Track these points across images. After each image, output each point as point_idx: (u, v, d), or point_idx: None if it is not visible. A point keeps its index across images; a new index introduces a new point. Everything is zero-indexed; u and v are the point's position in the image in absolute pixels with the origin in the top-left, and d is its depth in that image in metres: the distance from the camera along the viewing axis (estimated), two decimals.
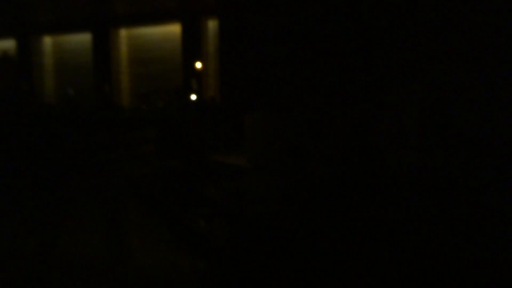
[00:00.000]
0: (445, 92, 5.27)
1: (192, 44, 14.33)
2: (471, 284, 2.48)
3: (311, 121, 6.31)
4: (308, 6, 8.36)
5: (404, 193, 4.55)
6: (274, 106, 7.69)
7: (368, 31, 6.90)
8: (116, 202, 5.60)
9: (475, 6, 5.21)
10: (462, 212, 3.84)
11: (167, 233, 4.04)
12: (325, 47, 8.08)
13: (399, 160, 4.88)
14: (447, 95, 5.22)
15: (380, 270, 2.69)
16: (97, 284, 2.83)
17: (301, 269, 2.80)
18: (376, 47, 6.72)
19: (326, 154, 5.22)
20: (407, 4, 6.05)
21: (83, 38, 17.00)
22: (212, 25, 14.37)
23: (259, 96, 8.74)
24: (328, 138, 5.65)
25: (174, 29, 15.48)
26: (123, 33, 16.55)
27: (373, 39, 6.78)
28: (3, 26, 16.91)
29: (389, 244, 3.09)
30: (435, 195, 4.30)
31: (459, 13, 5.36)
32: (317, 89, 8.16)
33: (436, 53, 5.57)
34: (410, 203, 4.30)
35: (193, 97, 12.80)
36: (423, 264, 2.72)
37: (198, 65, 13.85)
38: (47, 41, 17.80)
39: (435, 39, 5.58)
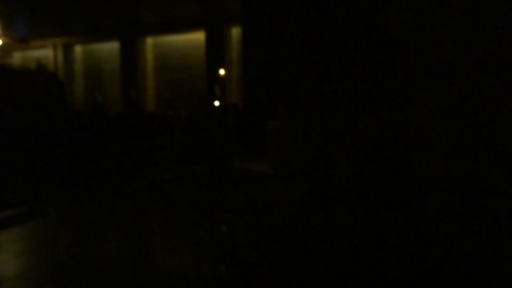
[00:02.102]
0: (476, 98, 5.10)
1: (216, 51, 14.56)
2: None
3: (335, 128, 6.25)
4: (332, 14, 8.34)
5: (430, 202, 4.42)
6: (297, 113, 7.68)
7: (394, 36, 6.80)
8: (140, 205, 5.72)
9: (506, 6, 5.05)
10: (492, 224, 3.70)
11: (190, 237, 4.08)
12: (350, 53, 8.01)
13: (425, 168, 4.76)
14: (478, 101, 5.06)
15: (405, 278, 2.62)
16: (120, 284, 2.90)
17: (323, 276, 2.77)
18: (403, 51, 6.61)
19: (350, 161, 5.16)
20: (434, 6, 5.93)
21: (111, 46, 17.59)
22: (235, 32, 14.57)
23: (282, 102, 8.75)
24: (352, 144, 5.58)
25: (198, 37, 15.78)
26: (149, 41, 17.01)
27: (399, 43, 6.67)
28: (39, 36, 17.75)
29: (413, 253, 3.01)
30: (463, 205, 4.16)
31: (490, 13, 5.21)
32: (341, 95, 8.10)
33: (466, 57, 5.42)
34: (437, 211, 4.17)
35: (216, 103, 12.96)
36: (450, 273, 2.63)
37: (222, 72, 14.04)
38: (78, 49, 18.53)
39: (465, 41, 5.43)
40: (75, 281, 3.02)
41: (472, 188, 4.28)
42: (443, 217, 4.01)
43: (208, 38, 14.86)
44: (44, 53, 18.33)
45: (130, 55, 16.54)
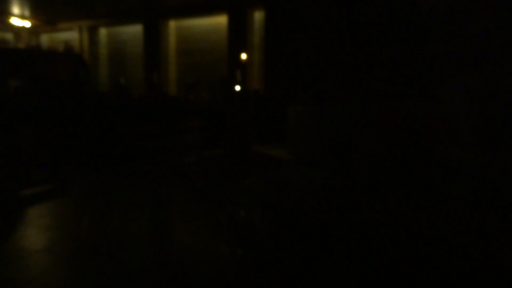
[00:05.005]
0: (505, 87, 4.89)
1: (238, 35, 14.44)
2: None
3: (356, 114, 6.16)
4: None
5: (452, 193, 4.33)
6: (318, 99, 7.59)
7: (422, 20, 6.55)
8: (161, 186, 5.86)
9: None
10: None
11: (209, 219, 4.17)
12: (373, 38, 7.80)
13: (448, 158, 4.64)
14: (507, 91, 4.85)
15: (423, 267, 2.60)
16: (141, 262, 3.00)
17: (339, 262, 2.78)
18: (430, 37, 6.38)
19: (370, 148, 5.08)
20: None
21: (135, 30, 17.73)
22: (258, 16, 14.38)
23: (303, 88, 8.66)
24: (374, 132, 5.49)
25: (220, 20, 15.68)
26: (172, 24, 17.02)
27: (427, 29, 6.43)
28: (66, 18, 18.10)
29: (433, 244, 2.98)
30: (487, 197, 4.05)
31: None
32: (364, 82, 7.93)
33: (498, 44, 5.17)
34: (460, 203, 4.09)
35: (237, 88, 12.94)
36: (471, 267, 2.59)
37: (243, 56, 13.95)
38: (102, 32, 18.77)
39: (498, 28, 5.17)
40: (98, 255, 3.15)
41: (497, 180, 4.15)
42: (466, 208, 3.92)
43: (230, 22, 14.74)
44: (71, 35, 18.68)
45: (153, 38, 16.63)
